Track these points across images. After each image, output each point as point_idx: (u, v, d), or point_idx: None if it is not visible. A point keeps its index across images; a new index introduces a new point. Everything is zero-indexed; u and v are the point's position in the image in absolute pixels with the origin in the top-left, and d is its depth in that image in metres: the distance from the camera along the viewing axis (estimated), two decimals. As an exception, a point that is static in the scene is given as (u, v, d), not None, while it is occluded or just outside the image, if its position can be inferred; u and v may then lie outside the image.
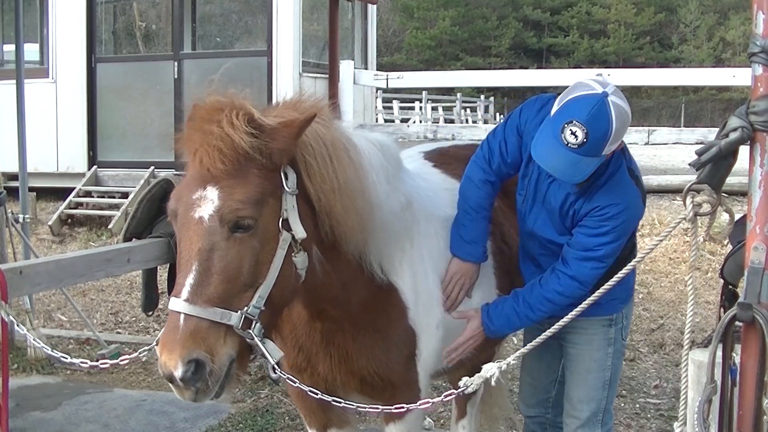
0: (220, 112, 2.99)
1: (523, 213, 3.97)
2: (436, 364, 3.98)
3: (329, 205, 3.22)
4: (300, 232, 3.11)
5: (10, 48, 14.37)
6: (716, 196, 2.59)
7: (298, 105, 3.28)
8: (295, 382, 3.28)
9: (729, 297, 3.48)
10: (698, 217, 2.67)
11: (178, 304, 2.83)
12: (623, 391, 6.98)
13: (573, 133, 3.35)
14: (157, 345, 2.90)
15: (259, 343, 2.98)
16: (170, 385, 2.85)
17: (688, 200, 2.65)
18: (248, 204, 2.96)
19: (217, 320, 2.85)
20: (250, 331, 2.93)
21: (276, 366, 3.09)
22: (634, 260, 3.07)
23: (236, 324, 2.89)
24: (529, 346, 3.27)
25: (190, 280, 2.85)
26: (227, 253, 2.91)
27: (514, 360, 3.13)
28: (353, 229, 3.32)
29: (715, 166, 2.60)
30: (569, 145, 3.36)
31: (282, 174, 3.08)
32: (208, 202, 2.92)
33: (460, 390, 3.16)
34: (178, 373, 2.74)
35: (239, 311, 2.90)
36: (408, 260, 3.75)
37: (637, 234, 10.67)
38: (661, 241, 2.84)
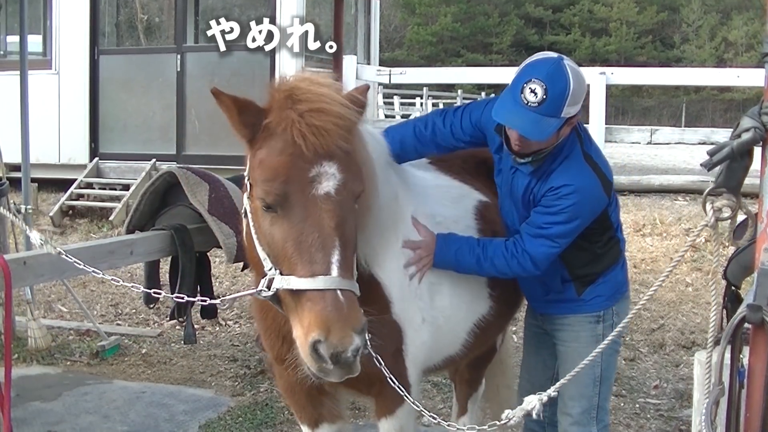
0: (318, 89, 3.03)
1: (500, 205, 4.12)
2: (428, 359, 3.95)
3: None
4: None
5: (13, 39, 14.37)
6: (735, 199, 2.57)
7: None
8: (381, 363, 3.32)
9: (731, 298, 3.47)
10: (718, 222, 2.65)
11: (333, 281, 2.84)
12: (623, 391, 6.98)
13: (533, 91, 3.50)
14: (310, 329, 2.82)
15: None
16: (332, 367, 2.80)
17: (708, 206, 2.63)
18: (362, 174, 3.09)
19: (356, 291, 2.93)
20: None
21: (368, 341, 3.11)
22: (661, 276, 3.02)
23: (358, 292, 2.97)
24: (568, 376, 3.25)
25: (336, 256, 2.88)
26: (352, 225, 3.02)
27: (553, 392, 3.13)
28: (359, 211, 3.31)
29: (730, 169, 2.57)
30: (530, 104, 3.51)
31: None
32: (331, 178, 2.95)
33: (503, 422, 3.14)
34: (355, 345, 2.76)
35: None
36: (393, 254, 3.75)
37: (638, 234, 10.70)
38: (686, 251, 2.82)
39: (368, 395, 3.84)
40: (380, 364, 3.27)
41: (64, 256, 3.89)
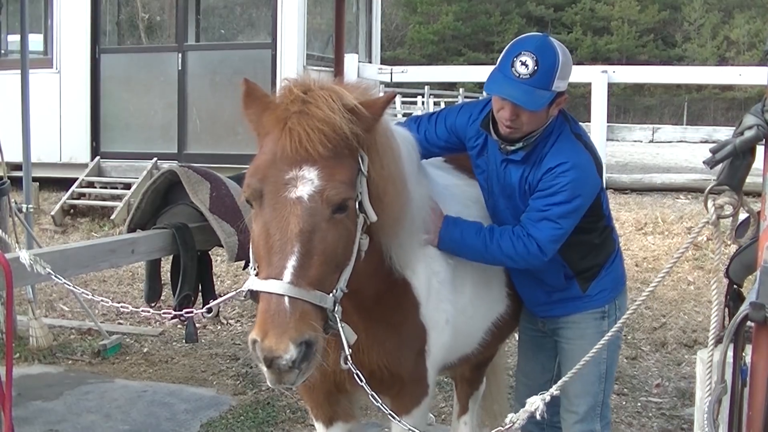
0: (313, 93, 2.99)
1: (491, 208, 4.06)
2: (445, 360, 3.98)
3: (383, 192, 3.22)
4: (372, 215, 3.14)
5: (14, 38, 14.38)
6: (737, 197, 2.56)
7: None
8: (362, 380, 3.22)
9: (734, 296, 3.47)
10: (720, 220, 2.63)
11: (280, 286, 2.78)
12: (625, 390, 6.97)
13: (524, 63, 3.55)
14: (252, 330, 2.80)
15: (340, 327, 2.99)
16: (265, 370, 2.78)
17: (710, 203, 2.62)
18: (349, 185, 2.99)
19: (317, 303, 2.85)
20: (335, 314, 2.95)
21: (349, 356, 3.09)
22: (662, 272, 2.99)
23: (330, 307, 2.92)
24: (570, 373, 3.16)
25: (292, 262, 2.81)
26: (327, 235, 2.91)
27: (556, 391, 3.05)
28: (393, 219, 3.31)
29: (733, 166, 2.56)
30: (521, 76, 3.55)
31: (359, 156, 3.10)
32: (307, 183, 2.90)
33: (507, 427, 3.07)
34: (289, 355, 2.69)
35: (330, 294, 2.92)
36: (423, 256, 3.75)
37: (640, 232, 10.67)
38: (687, 248, 2.81)
39: (387, 395, 3.84)
40: (361, 381, 3.21)
41: (54, 277, 3.91)
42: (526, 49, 3.57)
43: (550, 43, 3.64)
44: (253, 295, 2.94)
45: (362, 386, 3.70)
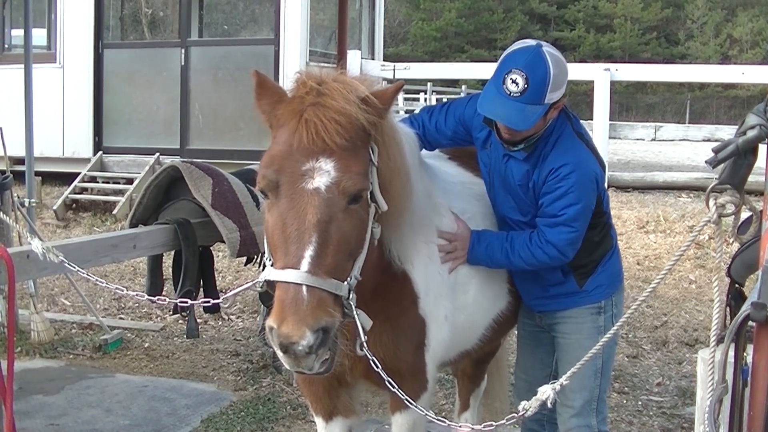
0: (328, 85, 3.04)
1: (492, 200, 4.10)
2: (444, 356, 3.98)
3: (389, 183, 3.26)
4: (383, 204, 3.19)
5: (18, 33, 14.40)
6: (739, 196, 2.56)
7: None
8: (378, 366, 3.25)
9: (735, 296, 3.46)
10: (721, 218, 2.63)
11: (298, 275, 2.83)
12: (626, 388, 6.97)
13: (514, 81, 3.56)
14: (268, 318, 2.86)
15: (355, 314, 3.05)
16: (282, 356, 2.83)
17: (711, 202, 2.62)
18: (364, 176, 3.06)
19: (333, 291, 2.91)
20: (350, 302, 3.01)
21: (365, 342, 3.13)
22: (663, 271, 2.99)
23: (346, 295, 2.97)
24: (574, 368, 3.13)
25: (309, 251, 2.86)
26: (343, 225, 2.97)
27: (566, 380, 3.08)
28: (397, 211, 3.35)
29: (735, 165, 2.57)
30: (512, 94, 3.56)
31: (370, 148, 3.15)
32: (324, 174, 2.95)
33: (520, 414, 3.11)
34: (306, 342, 2.74)
35: (345, 282, 2.98)
36: (423, 251, 3.77)
37: (642, 230, 10.67)
38: (688, 246, 2.81)
39: (386, 389, 3.86)
40: (377, 367, 3.24)
41: (67, 265, 3.92)
42: (516, 67, 3.57)
43: (540, 57, 3.61)
44: (270, 285, 2.99)
45: (361, 378, 3.74)
